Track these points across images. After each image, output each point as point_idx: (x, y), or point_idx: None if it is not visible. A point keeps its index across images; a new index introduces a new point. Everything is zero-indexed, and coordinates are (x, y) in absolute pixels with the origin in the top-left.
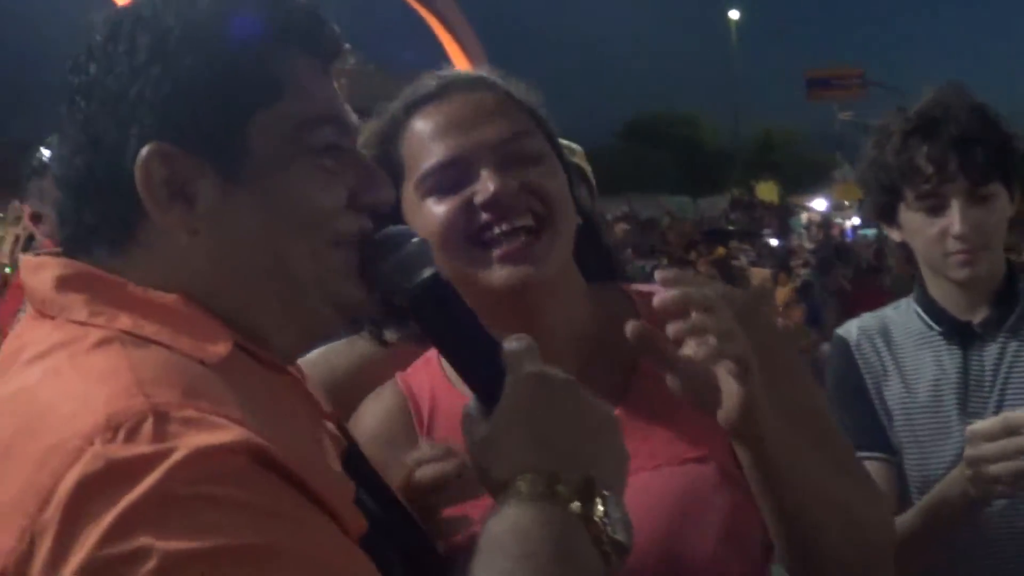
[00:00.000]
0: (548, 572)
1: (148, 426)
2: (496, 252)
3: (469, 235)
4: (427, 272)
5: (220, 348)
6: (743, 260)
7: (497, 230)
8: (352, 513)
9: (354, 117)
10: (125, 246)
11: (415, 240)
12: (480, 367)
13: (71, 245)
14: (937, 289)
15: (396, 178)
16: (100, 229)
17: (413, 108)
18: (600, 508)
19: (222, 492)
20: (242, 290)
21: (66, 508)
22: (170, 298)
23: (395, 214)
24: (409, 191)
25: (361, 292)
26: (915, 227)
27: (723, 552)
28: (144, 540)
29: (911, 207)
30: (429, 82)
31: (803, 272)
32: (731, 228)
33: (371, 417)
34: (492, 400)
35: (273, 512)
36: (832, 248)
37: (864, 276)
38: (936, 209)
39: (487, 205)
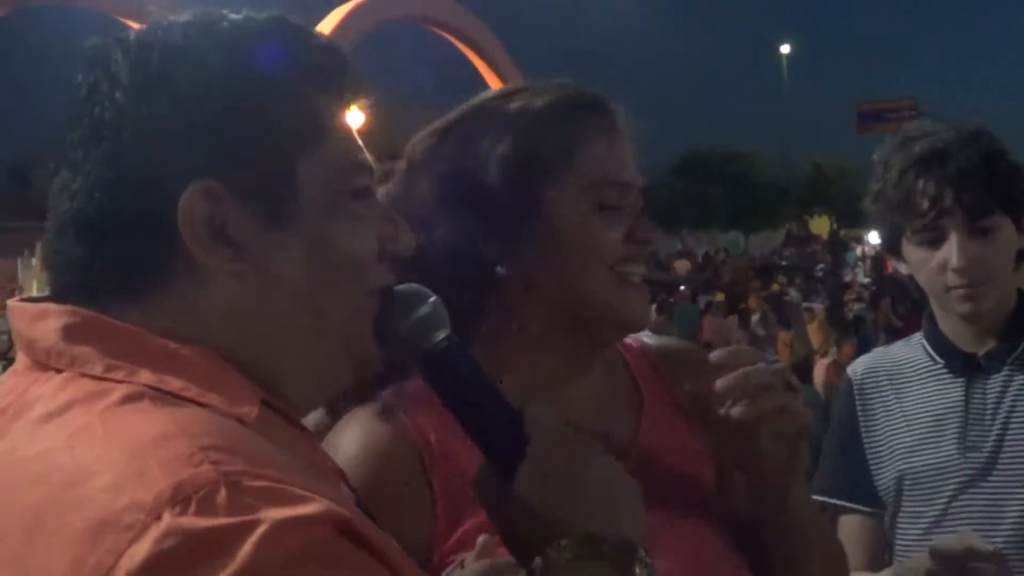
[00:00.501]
0: None
1: (223, 497)
2: (630, 283)
3: (618, 261)
4: (442, 335)
5: (251, 407)
6: (796, 296)
7: (635, 267)
8: (414, 572)
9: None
10: (141, 292)
11: (431, 300)
12: (496, 431)
13: (73, 290)
14: (945, 322)
15: (543, 165)
16: (114, 273)
17: (594, 109)
18: (639, 570)
19: (315, 569)
20: (270, 339)
21: None
22: (191, 350)
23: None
24: (575, 185)
25: (377, 350)
26: (917, 261)
27: None
28: None
29: (911, 241)
30: (591, 95)
31: (855, 307)
32: (784, 263)
33: (361, 450)
34: (508, 464)
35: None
36: (883, 282)
37: (913, 310)
38: (935, 242)
39: (644, 245)
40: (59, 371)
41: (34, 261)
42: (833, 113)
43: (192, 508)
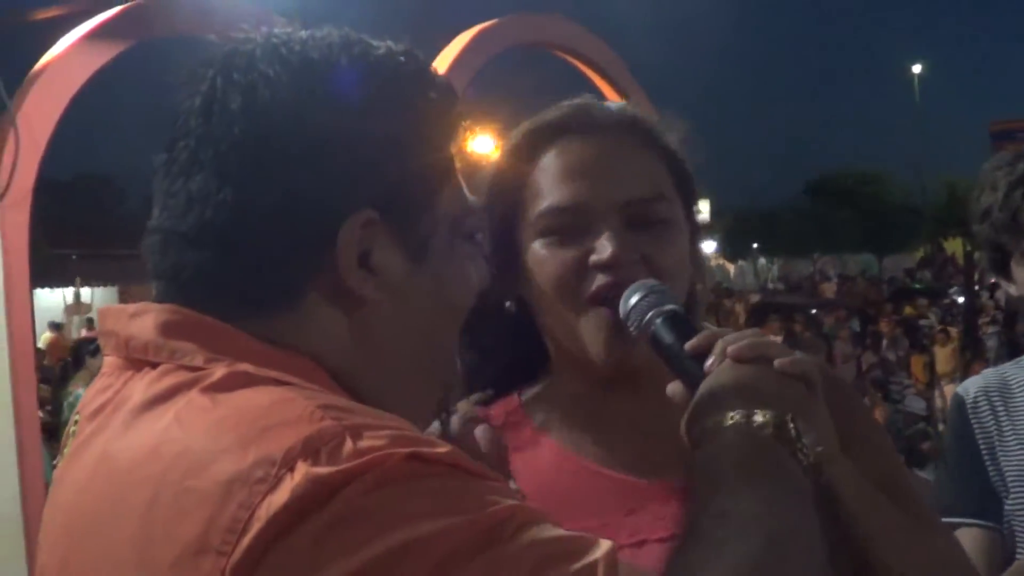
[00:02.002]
0: (762, 477)
1: (349, 447)
2: (606, 315)
3: (576, 294)
4: (654, 314)
5: None
6: (932, 319)
7: (606, 295)
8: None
9: None
10: (268, 306)
11: (639, 286)
12: (691, 368)
13: (193, 299)
14: None
15: (512, 206)
16: (245, 284)
17: (550, 137)
18: (794, 433)
19: (439, 482)
20: (386, 366)
21: (277, 531)
22: (299, 360)
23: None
24: (523, 225)
25: (457, 384)
26: (1022, 281)
27: None
28: (398, 536)
29: (1019, 262)
30: (576, 113)
31: (989, 330)
32: (917, 287)
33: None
34: (696, 380)
35: (494, 490)
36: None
37: None
38: None
39: (602, 267)
40: (155, 365)
41: None
42: (966, 133)
43: (324, 458)
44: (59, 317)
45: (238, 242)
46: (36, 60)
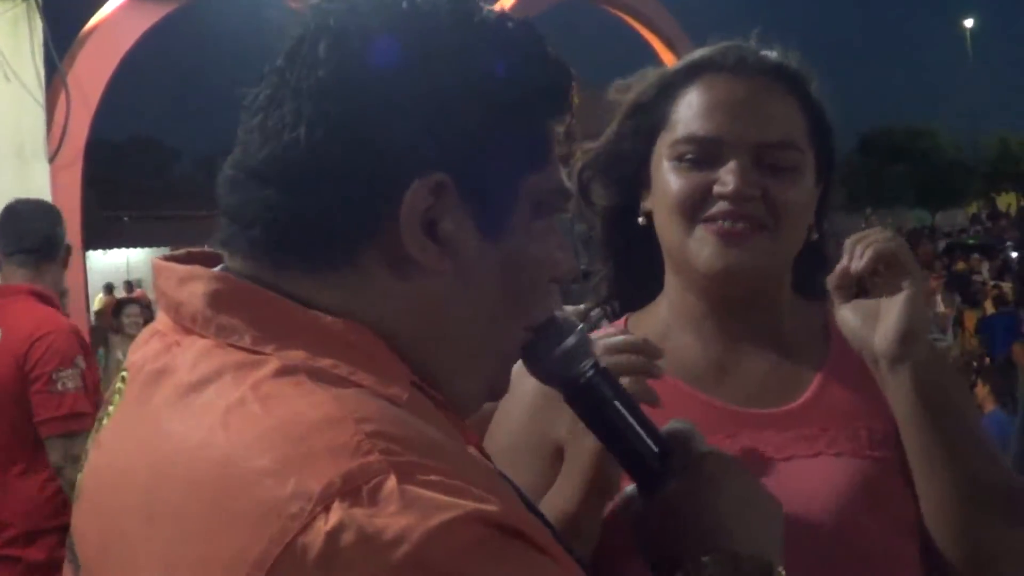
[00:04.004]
0: None
1: (392, 489)
2: (714, 228)
3: (696, 214)
4: (588, 364)
5: (401, 389)
6: (985, 274)
7: (723, 222)
8: (567, 560)
9: None
10: (326, 262)
11: (579, 330)
12: (641, 455)
13: (255, 242)
14: None
15: (653, 128)
16: (306, 235)
17: (701, 70)
18: None
19: (482, 566)
20: (444, 340)
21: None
22: (346, 326)
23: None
24: (660, 146)
25: (507, 383)
26: None
27: (898, 543)
28: None
29: None
30: (728, 52)
31: None
32: (971, 242)
33: (523, 394)
34: (654, 485)
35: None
36: None
37: None
38: None
39: (724, 197)
40: (203, 336)
41: None
42: (1019, 88)
43: (364, 499)
44: (111, 278)
45: (304, 182)
46: (86, 21)
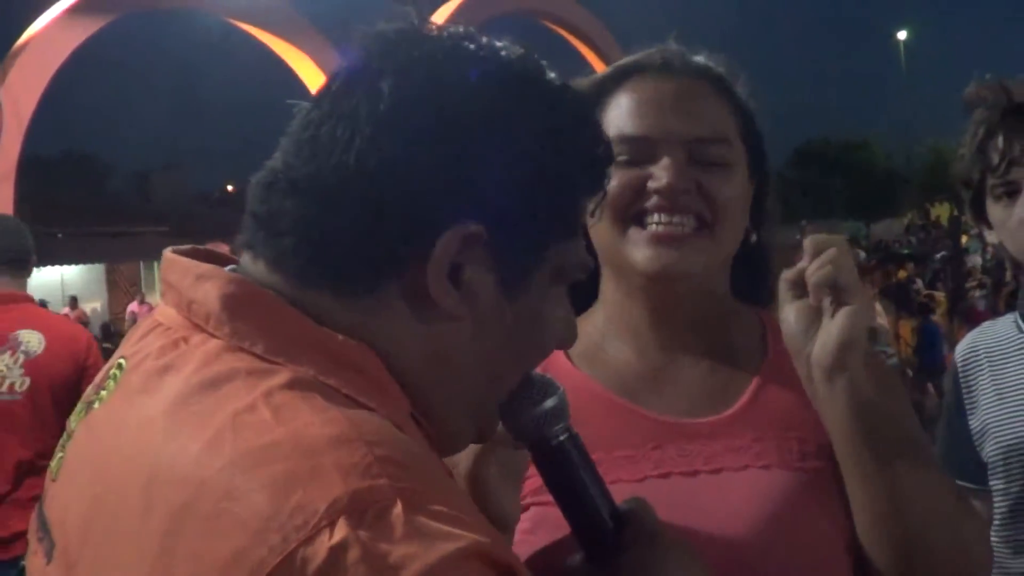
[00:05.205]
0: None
1: (398, 515)
2: (649, 231)
3: (630, 213)
4: (561, 427)
5: (402, 418)
6: (920, 283)
7: (658, 218)
8: None
9: None
10: (350, 286)
11: (559, 393)
12: (596, 524)
13: (284, 251)
14: None
15: None
16: (338, 253)
17: (629, 74)
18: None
19: None
20: (445, 381)
21: None
22: (356, 348)
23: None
24: None
25: (496, 430)
26: (997, 221)
27: (827, 557)
28: None
29: (991, 199)
30: (654, 55)
31: (978, 294)
32: (906, 252)
33: None
34: (603, 556)
35: None
36: (1002, 269)
37: None
38: (1012, 195)
39: (658, 192)
40: (214, 336)
41: (156, 266)
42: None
43: (368, 521)
44: (45, 295)
45: (345, 205)
46: (18, 36)
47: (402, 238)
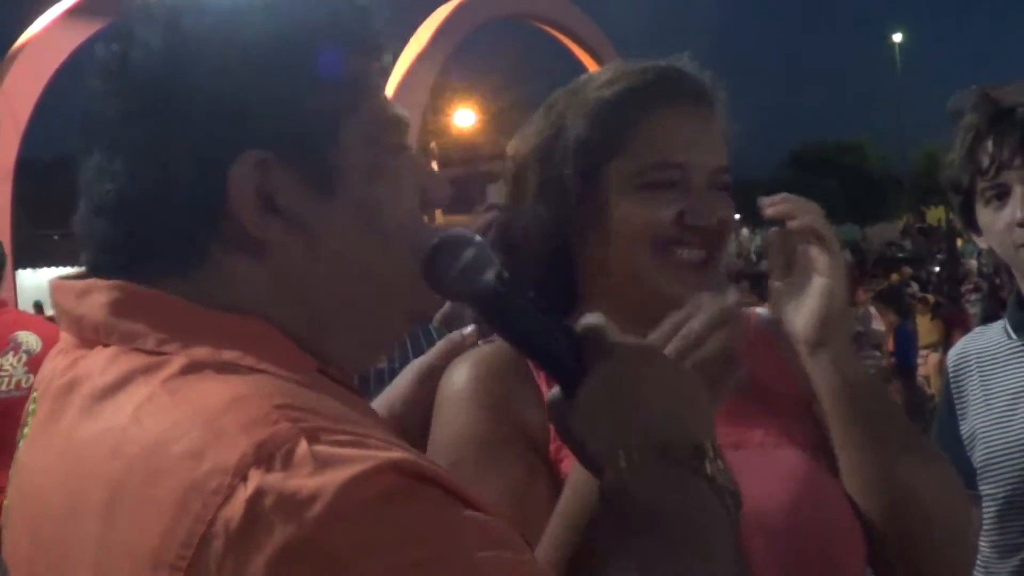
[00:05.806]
0: (683, 530)
1: (303, 451)
2: (680, 259)
3: (660, 239)
4: (490, 274)
5: (306, 375)
6: (915, 287)
7: (688, 250)
8: (487, 507)
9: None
10: (188, 267)
11: (477, 242)
12: (557, 355)
13: (113, 271)
14: None
15: (603, 148)
16: (157, 250)
17: (655, 96)
18: (710, 469)
19: (395, 510)
20: (324, 308)
21: (231, 549)
22: (245, 321)
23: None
24: (620, 169)
25: (431, 300)
26: (987, 226)
27: (851, 525)
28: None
29: (980, 204)
30: (686, 84)
31: (973, 297)
32: (901, 256)
33: (475, 363)
34: (575, 383)
35: (451, 521)
36: (996, 274)
37: None
38: (1001, 198)
39: (695, 228)
40: (107, 345)
41: None
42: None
43: (277, 464)
44: (40, 297)
45: (137, 210)
46: (15, 39)
47: (194, 198)
